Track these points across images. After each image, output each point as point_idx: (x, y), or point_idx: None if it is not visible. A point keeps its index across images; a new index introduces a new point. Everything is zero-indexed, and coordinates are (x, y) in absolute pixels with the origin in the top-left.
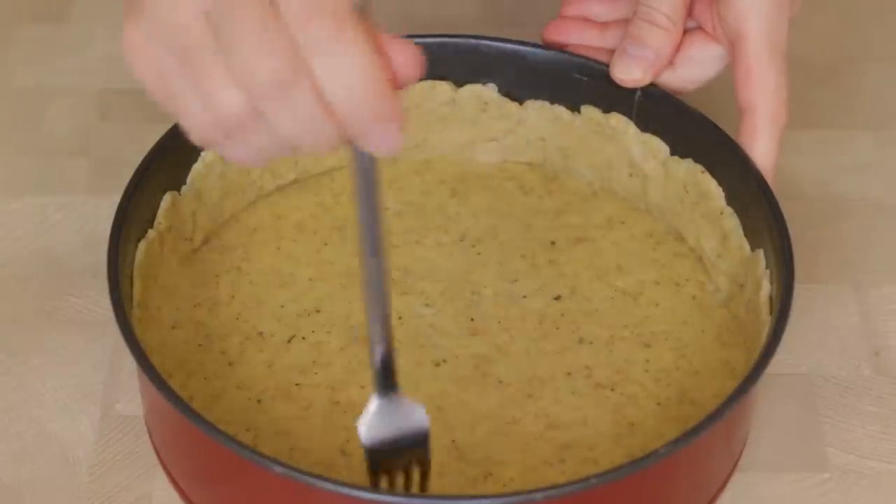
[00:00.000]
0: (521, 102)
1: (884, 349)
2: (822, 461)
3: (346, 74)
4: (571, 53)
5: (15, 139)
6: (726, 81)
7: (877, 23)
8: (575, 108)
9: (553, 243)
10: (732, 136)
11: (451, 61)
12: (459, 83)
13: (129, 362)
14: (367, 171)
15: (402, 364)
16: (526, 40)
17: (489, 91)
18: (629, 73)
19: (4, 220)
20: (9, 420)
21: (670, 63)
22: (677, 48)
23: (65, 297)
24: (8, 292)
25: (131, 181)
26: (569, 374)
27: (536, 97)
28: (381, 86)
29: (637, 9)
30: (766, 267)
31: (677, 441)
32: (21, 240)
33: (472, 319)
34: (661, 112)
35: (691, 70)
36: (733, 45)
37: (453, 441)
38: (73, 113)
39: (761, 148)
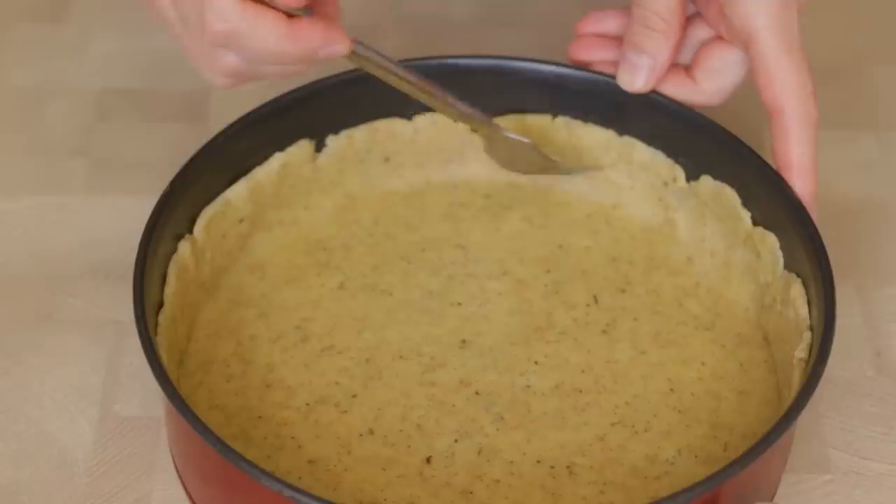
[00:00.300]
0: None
1: (886, 350)
2: (825, 462)
3: (262, 44)
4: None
5: (13, 139)
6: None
7: (881, 23)
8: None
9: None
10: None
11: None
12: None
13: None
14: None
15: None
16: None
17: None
18: (632, 83)
19: (3, 219)
20: (7, 421)
21: (689, 77)
22: (678, 48)
23: (63, 298)
24: (6, 293)
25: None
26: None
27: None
28: (287, 37)
29: (632, 10)
30: (804, 292)
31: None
32: (19, 240)
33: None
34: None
35: (714, 81)
36: (747, 48)
37: None
38: (72, 113)
39: (796, 149)
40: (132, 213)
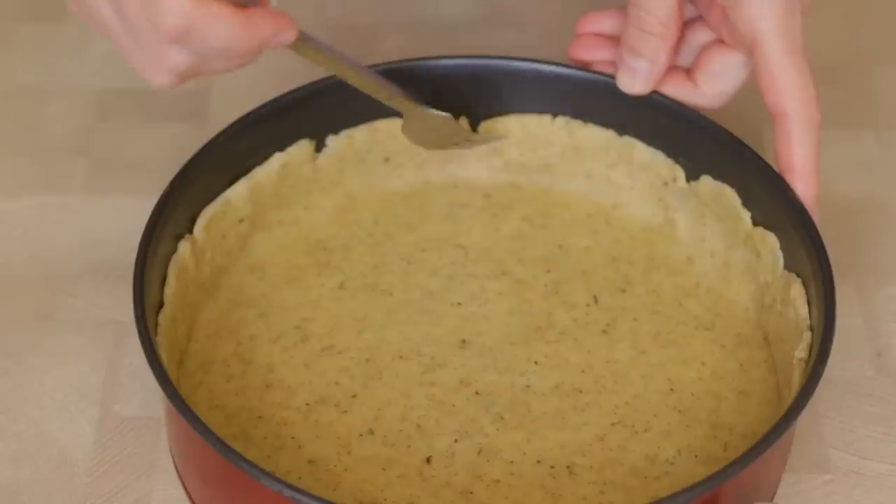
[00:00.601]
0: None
1: (886, 350)
2: (825, 462)
3: (218, 37)
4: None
5: (13, 139)
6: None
7: (881, 23)
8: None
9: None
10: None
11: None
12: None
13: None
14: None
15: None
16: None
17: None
18: (631, 86)
19: (3, 219)
20: (7, 421)
21: (690, 80)
22: (676, 49)
23: (63, 298)
24: (6, 293)
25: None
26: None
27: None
28: (242, 29)
29: (629, 11)
30: (804, 291)
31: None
32: (19, 240)
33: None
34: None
35: (715, 84)
36: (751, 52)
37: None
38: (72, 113)
39: (799, 152)
40: (132, 213)
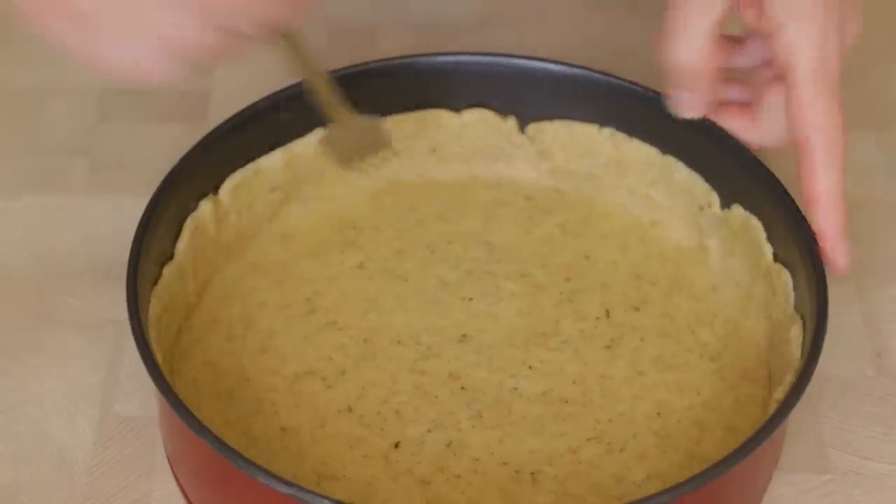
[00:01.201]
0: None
1: (886, 350)
2: (824, 462)
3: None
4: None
5: (14, 139)
6: None
7: (881, 24)
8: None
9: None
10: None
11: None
12: None
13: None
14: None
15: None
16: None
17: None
18: (682, 113)
19: (3, 219)
20: (7, 421)
21: (747, 115)
22: (720, 74)
23: (63, 298)
24: (6, 293)
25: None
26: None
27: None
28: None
29: (664, 37)
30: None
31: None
32: (19, 239)
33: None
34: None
35: (770, 119)
36: (785, 76)
37: None
38: (73, 113)
39: (823, 181)
40: (132, 213)
